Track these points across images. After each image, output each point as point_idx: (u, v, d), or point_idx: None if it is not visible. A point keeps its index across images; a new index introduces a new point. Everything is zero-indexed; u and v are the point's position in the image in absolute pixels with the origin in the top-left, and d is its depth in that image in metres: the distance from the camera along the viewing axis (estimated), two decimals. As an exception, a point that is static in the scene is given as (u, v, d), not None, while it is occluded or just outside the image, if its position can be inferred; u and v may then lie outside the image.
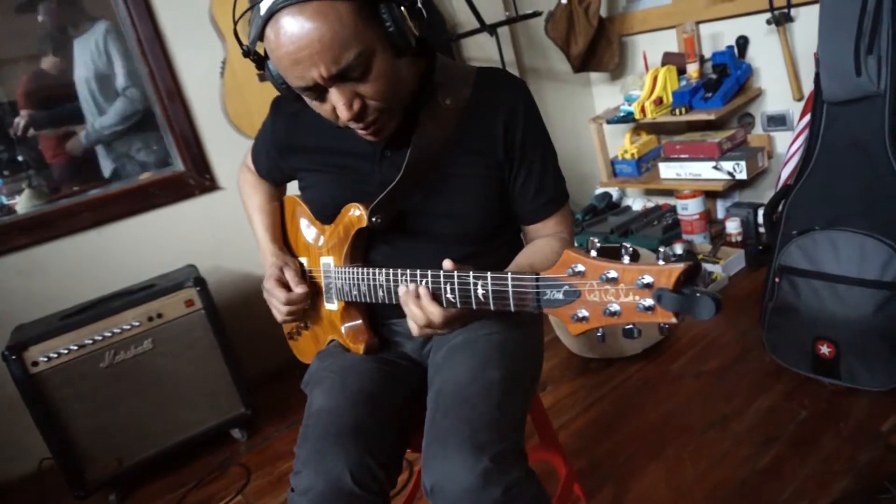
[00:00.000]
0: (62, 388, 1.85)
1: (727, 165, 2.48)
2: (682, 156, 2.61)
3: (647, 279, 0.64)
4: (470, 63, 2.71)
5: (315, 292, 1.15)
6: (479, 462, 0.84)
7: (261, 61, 0.92)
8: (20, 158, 2.28)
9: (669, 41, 2.76)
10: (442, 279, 0.84)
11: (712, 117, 2.42)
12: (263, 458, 2.02)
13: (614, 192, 3.17)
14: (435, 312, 0.85)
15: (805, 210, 1.73)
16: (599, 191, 3.15)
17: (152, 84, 2.25)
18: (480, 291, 0.81)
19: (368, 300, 1.01)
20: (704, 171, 2.55)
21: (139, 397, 1.94)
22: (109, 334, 1.89)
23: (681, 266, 0.63)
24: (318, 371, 1.09)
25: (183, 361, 1.99)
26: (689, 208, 2.61)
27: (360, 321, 1.09)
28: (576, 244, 2.94)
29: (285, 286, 1.11)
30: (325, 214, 1.09)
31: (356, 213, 1.01)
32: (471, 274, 0.82)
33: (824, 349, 1.66)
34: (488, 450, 0.85)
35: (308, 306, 1.16)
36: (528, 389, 1.06)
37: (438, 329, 0.87)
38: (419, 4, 0.91)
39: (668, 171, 2.67)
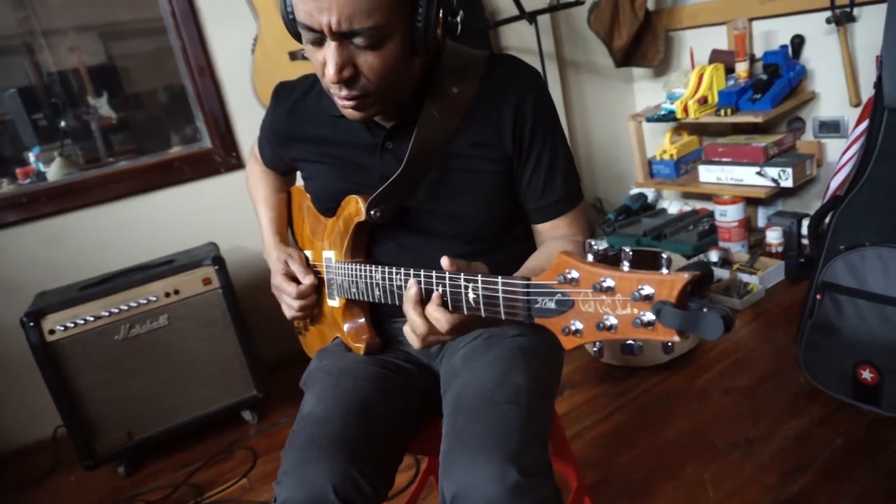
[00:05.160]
0: (77, 358, 1.84)
1: (772, 172, 2.34)
2: (724, 159, 2.48)
3: (647, 290, 0.55)
4: (507, 53, 2.62)
5: (319, 287, 1.10)
6: (508, 473, 0.76)
7: None
8: (62, 125, 2.30)
9: (719, 38, 2.63)
10: (434, 279, 0.77)
11: (759, 120, 2.29)
12: (271, 442, 1.99)
13: (650, 193, 3.05)
14: (441, 319, 0.76)
15: (855, 224, 1.61)
16: (635, 191, 3.03)
17: (184, 59, 2.23)
18: (471, 296, 0.73)
19: (366, 299, 0.96)
20: (747, 176, 2.42)
21: (152, 373, 1.93)
22: (126, 307, 1.89)
23: (685, 276, 0.53)
24: (316, 371, 1.04)
25: (197, 340, 1.98)
26: (728, 215, 2.48)
27: (362, 319, 1.03)
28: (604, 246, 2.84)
29: (294, 280, 1.07)
30: (326, 207, 1.04)
31: (355, 206, 0.95)
32: (462, 276, 0.74)
33: (866, 374, 1.55)
34: (519, 461, 0.78)
35: (314, 301, 1.11)
36: (553, 397, 1.00)
37: (442, 337, 0.79)
38: (458, 19, 0.85)
39: (708, 174, 2.55)
